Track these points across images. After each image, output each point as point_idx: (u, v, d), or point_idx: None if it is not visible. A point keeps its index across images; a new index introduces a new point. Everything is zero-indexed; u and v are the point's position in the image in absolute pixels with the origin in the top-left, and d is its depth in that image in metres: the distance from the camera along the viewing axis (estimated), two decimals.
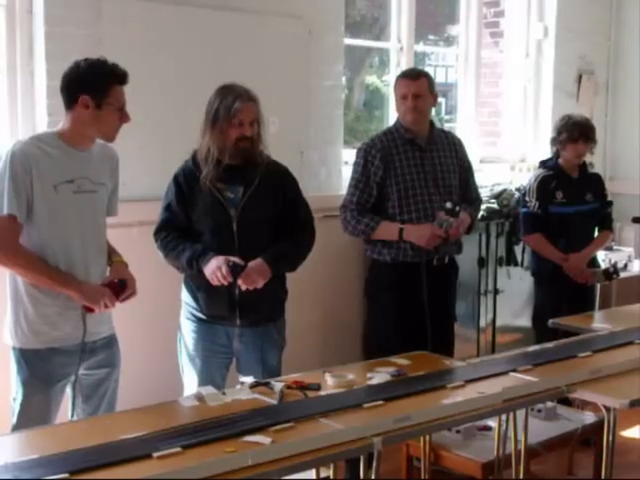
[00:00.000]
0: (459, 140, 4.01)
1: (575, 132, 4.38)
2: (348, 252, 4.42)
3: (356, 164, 3.83)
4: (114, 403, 2.96)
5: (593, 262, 4.59)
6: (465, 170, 3.95)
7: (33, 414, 2.75)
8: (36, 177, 2.67)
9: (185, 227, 3.18)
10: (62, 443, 2.31)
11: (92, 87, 2.71)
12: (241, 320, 3.18)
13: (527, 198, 4.49)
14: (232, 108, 3.07)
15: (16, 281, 2.77)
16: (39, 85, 3.62)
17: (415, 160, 3.78)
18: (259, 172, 3.16)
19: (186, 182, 3.15)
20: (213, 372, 3.23)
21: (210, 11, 4.03)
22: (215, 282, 3.03)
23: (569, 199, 4.43)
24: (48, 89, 3.58)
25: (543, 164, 4.57)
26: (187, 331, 3.25)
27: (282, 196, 3.23)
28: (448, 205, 3.61)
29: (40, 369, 2.76)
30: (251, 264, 3.06)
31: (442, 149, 3.85)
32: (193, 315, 3.22)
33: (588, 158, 4.70)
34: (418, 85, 3.74)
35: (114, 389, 2.96)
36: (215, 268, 3.02)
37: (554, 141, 4.52)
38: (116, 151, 2.99)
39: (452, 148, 3.90)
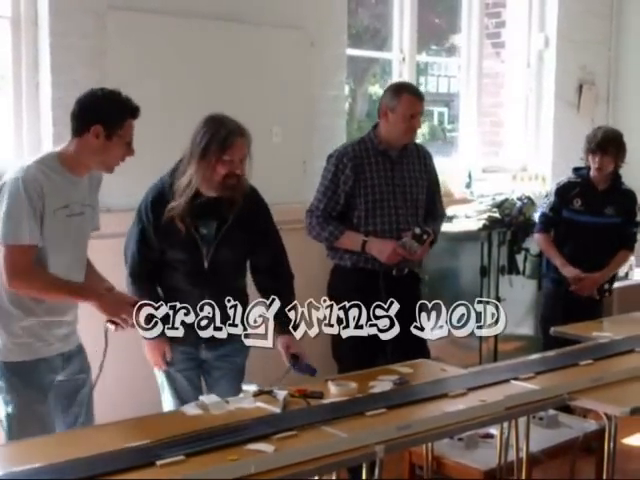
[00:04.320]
0: (429, 153, 3.94)
1: (593, 144, 4.39)
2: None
3: (327, 170, 3.78)
4: (92, 411, 2.95)
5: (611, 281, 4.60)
6: (433, 184, 3.91)
7: (31, 427, 2.71)
8: (46, 203, 2.68)
9: (157, 260, 3.10)
10: (65, 452, 2.31)
11: (107, 118, 2.70)
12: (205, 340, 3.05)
13: (546, 198, 4.57)
14: (225, 144, 2.93)
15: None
16: (44, 96, 3.66)
17: (386, 172, 3.74)
18: (235, 208, 3.05)
19: (160, 210, 3.01)
20: (187, 380, 3.20)
21: (214, 23, 4.07)
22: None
23: (587, 209, 4.42)
24: (53, 100, 3.62)
25: (575, 171, 4.58)
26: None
27: (255, 228, 3.15)
28: (417, 231, 3.60)
29: (32, 380, 2.74)
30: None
31: (412, 162, 3.82)
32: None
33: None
34: (423, 105, 3.74)
35: (90, 396, 2.95)
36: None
37: (583, 148, 4.53)
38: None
39: (422, 162, 3.85)
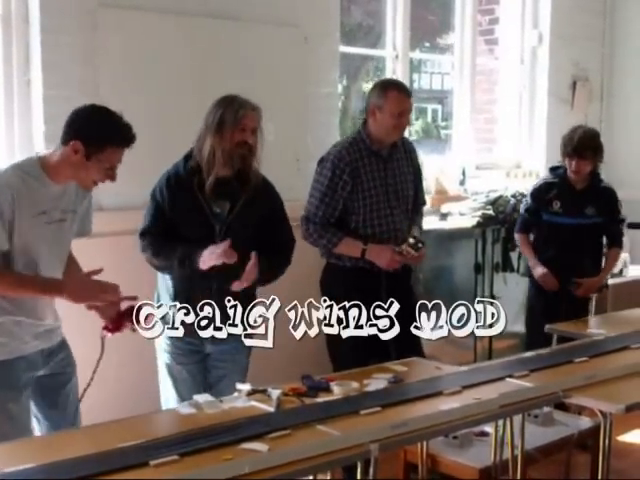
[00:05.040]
0: (412, 145, 3.93)
1: (569, 147, 4.29)
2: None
3: (322, 176, 3.70)
4: (78, 407, 2.94)
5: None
6: (416, 173, 3.91)
7: (3, 425, 2.71)
8: (17, 209, 2.66)
9: (170, 232, 3.18)
10: (59, 452, 2.31)
11: (88, 138, 2.67)
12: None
13: (524, 198, 4.55)
14: (238, 114, 3.13)
15: None
16: (35, 94, 3.64)
17: (380, 172, 3.72)
18: (248, 190, 3.19)
19: (177, 187, 3.15)
20: (190, 375, 3.24)
21: (206, 20, 4.05)
22: None
23: (566, 210, 4.36)
24: (44, 98, 3.60)
25: (552, 171, 4.53)
26: (162, 338, 3.21)
27: (267, 217, 3.26)
28: (411, 241, 3.61)
29: (6, 379, 2.73)
30: (249, 267, 3.08)
31: (400, 158, 3.80)
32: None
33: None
34: (411, 102, 3.72)
35: (76, 392, 2.94)
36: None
37: (560, 150, 4.46)
38: None
39: (408, 156, 3.84)
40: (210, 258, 3.06)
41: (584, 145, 4.25)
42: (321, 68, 4.60)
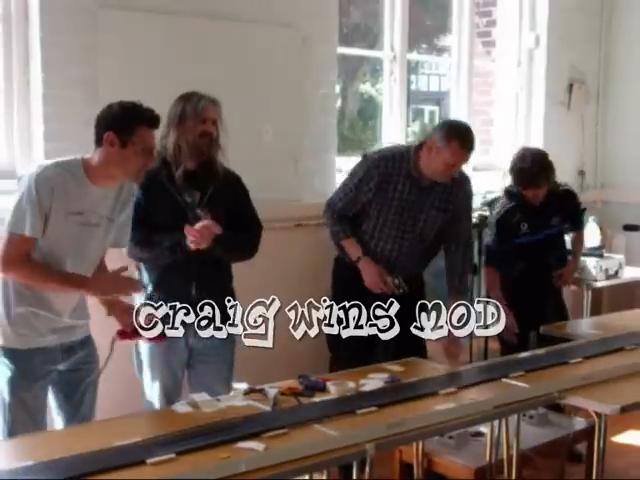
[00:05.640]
0: (465, 186, 3.83)
1: (524, 180, 4.17)
2: None
3: (356, 173, 3.76)
4: (94, 402, 2.99)
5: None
6: (459, 209, 3.80)
7: (22, 413, 2.79)
8: (55, 203, 2.75)
9: (145, 224, 3.23)
10: (56, 450, 2.32)
11: (118, 125, 2.78)
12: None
13: (488, 230, 4.37)
14: (198, 107, 3.25)
15: (5, 281, 2.82)
16: (35, 94, 3.64)
17: (409, 196, 3.69)
18: (215, 180, 3.29)
19: (148, 182, 3.17)
20: (174, 369, 3.29)
21: (205, 21, 4.06)
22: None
23: (533, 229, 4.27)
24: (44, 97, 3.60)
25: (507, 193, 4.36)
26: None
27: (234, 205, 3.35)
28: (396, 282, 3.68)
29: (22, 368, 2.80)
30: (206, 222, 3.15)
31: (442, 192, 3.73)
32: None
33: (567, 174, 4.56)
34: (469, 156, 3.65)
35: (94, 388, 2.99)
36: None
37: (511, 176, 4.32)
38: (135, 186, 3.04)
39: (451, 191, 3.74)
40: (203, 234, 3.10)
41: (537, 176, 4.15)
42: (319, 69, 4.61)
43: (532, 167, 4.16)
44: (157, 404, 3.26)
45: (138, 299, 3.22)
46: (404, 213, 3.71)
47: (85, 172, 2.81)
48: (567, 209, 4.45)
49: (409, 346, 3.37)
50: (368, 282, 3.70)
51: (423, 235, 3.78)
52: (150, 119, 2.84)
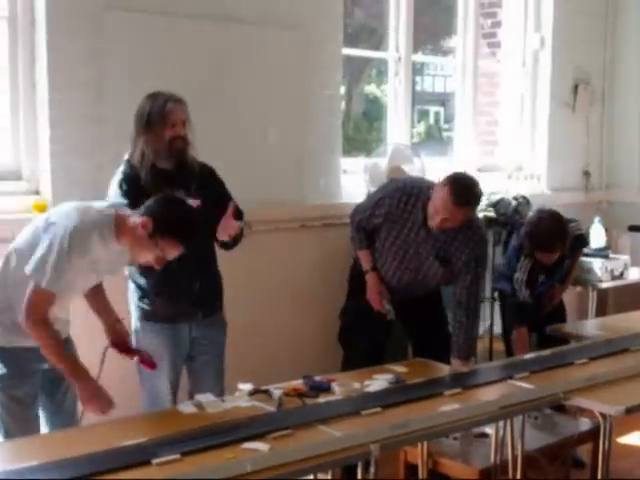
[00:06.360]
0: (476, 241, 3.59)
1: (538, 246, 4.09)
2: (347, 259, 4.44)
3: (376, 193, 3.82)
4: (77, 401, 2.97)
5: None
6: (469, 268, 3.58)
7: (14, 410, 2.82)
8: (80, 260, 2.75)
9: None
10: (61, 450, 2.33)
11: (159, 222, 2.75)
12: (202, 313, 3.29)
13: (517, 286, 4.23)
14: (164, 110, 3.15)
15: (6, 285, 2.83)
16: (41, 97, 3.65)
17: (417, 237, 3.62)
18: (194, 176, 3.25)
19: (132, 188, 3.16)
20: (177, 366, 3.31)
21: (210, 22, 4.07)
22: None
23: (548, 275, 4.27)
24: (50, 101, 3.61)
25: (526, 254, 4.21)
26: (147, 332, 3.28)
27: (217, 197, 3.30)
28: (387, 307, 3.73)
29: (11, 365, 2.83)
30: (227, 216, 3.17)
31: (450, 242, 3.58)
32: (153, 317, 3.26)
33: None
34: (468, 211, 3.50)
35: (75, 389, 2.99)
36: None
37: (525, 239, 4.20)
38: None
39: (458, 247, 3.57)
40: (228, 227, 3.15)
41: (552, 244, 4.07)
42: (324, 70, 4.61)
43: (547, 236, 4.07)
44: (164, 399, 3.28)
45: (137, 303, 3.28)
46: (408, 251, 3.66)
47: (115, 233, 2.78)
48: (577, 249, 4.47)
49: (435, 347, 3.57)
50: (368, 296, 3.75)
51: (425, 279, 3.73)
52: (185, 239, 2.80)
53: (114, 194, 3.17)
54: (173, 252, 2.80)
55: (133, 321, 3.29)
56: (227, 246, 3.32)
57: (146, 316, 3.25)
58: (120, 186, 3.17)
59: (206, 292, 3.28)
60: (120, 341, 3.02)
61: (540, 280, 4.26)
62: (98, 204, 2.88)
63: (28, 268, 2.70)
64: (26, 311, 2.72)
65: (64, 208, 2.82)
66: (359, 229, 3.77)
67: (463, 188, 3.44)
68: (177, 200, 2.90)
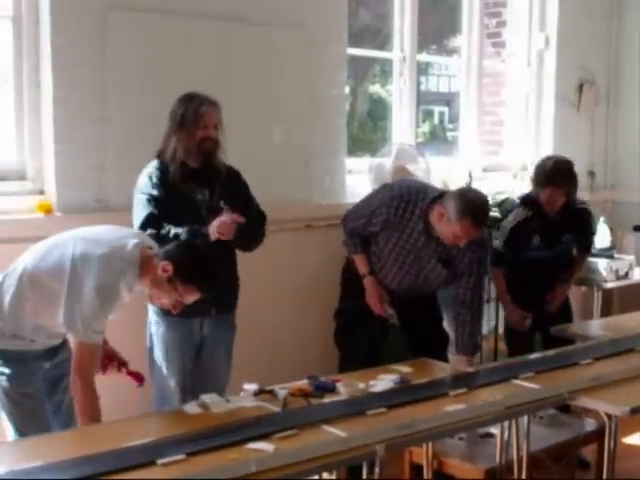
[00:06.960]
0: (482, 239, 3.59)
1: (542, 176, 4.11)
2: None
3: (371, 201, 3.71)
4: (72, 402, 3.00)
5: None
6: (472, 269, 3.59)
7: (26, 409, 2.84)
8: (113, 308, 2.78)
9: (160, 222, 3.27)
10: (67, 450, 2.34)
11: (180, 268, 2.75)
12: (216, 310, 3.36)
13: (497, 234, 4.24)
14: (198, 111, 3.30)
15: (22, 289, 2.83)
16: (45, 96, 3.65)
17: (418, 242, 3.59)
18: (220, 177, 3.37)
19: (159, 180, 3.29)
20: (186, 361, 3.37)
21: (215, 23, 4.07)
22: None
23: (545, 243, 4.21)
24: (54, 100, 3.61)
25: (523, 202, 4.27)
26: (160, 326, 3.35)
27: (239, 199, 3.40)
28: (389, 312, 3.73)
29: (18, 365, 2.85)
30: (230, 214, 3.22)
31: (452, 251, 3.57)
32: (169, 311, 3.27)
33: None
34: (480, 231, 3.47)
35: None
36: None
37: (532, 180, 4.26)
38: None
39: (464, 249, 3.54)
40: (229, 226, 3.18)
41: (558, 174, 4.08)
42: (328, 70, 4.61)
43: (554, 165, 4.12)
44: (174, 398, 3.33)
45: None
46: (409, 256, 3.63)
47: (139, 267, 2.77)
48: (580, 228, 4.35)
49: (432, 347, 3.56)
50: (368, 301, 3.73)
51: (427, 282, 3.71)
52: (205, 290, 2.81)
53: (144, 185, 3.29)
54: (192, 297, 2.82)
55: (150, 314, 3.38)
56: (242, 247, 3.41)
57: (163, 310, 3.26)
58: (150, 178, 3.30)
59: (223, 290, 3.25)
60: (110, 356, 3.02)
61: (534, 243, 4.19)
62: (122, 234, 2.86)
63: (68, 325, 2.73)
64: (79, 371, 2.71)
65: (90, 247, 2.76)
66: (352, 235, 3.73)
67: (482, 215, 3.44)
68: (199, 246, 2.93)
